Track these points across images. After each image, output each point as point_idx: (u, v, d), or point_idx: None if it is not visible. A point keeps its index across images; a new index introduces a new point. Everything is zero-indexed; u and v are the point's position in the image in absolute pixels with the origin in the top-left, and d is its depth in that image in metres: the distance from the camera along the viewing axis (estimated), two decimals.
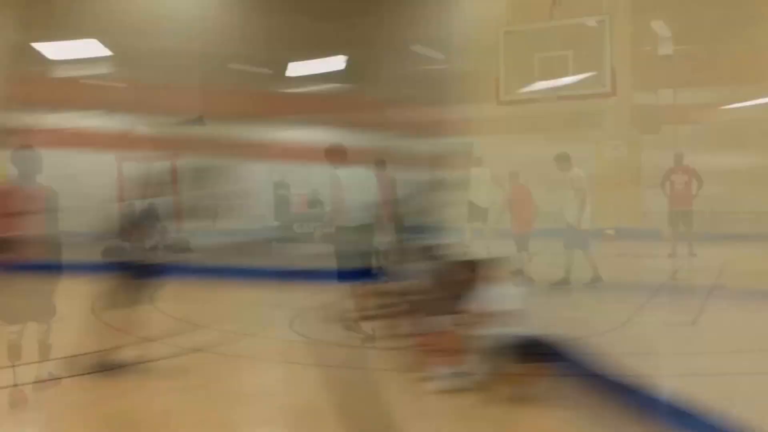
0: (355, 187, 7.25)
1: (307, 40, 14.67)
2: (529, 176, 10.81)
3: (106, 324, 6.32)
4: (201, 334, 7.79)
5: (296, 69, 15.81)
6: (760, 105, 16.31)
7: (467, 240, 11.69)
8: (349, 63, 15.42)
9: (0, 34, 13.54)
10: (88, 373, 5.86)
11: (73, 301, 7.22)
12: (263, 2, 14.64)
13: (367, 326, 7.01)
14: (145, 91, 14.51)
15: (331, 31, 14.22)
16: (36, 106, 14.44)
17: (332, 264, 7.35)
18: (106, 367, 5.97)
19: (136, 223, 6.20)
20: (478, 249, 9.46)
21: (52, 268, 5.80)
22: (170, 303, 8.14)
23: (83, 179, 13.86)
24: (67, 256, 5.78)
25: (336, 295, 7.69)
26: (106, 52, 14.43)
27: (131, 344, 6.20)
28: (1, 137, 12.27)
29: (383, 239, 7.40)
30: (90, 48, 14.28)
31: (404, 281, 6.40)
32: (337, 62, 15.50)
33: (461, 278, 5.49)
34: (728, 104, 16.86)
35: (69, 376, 5.80)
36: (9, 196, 6.21)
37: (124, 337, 6.17)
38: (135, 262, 6.11)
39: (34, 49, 14.68)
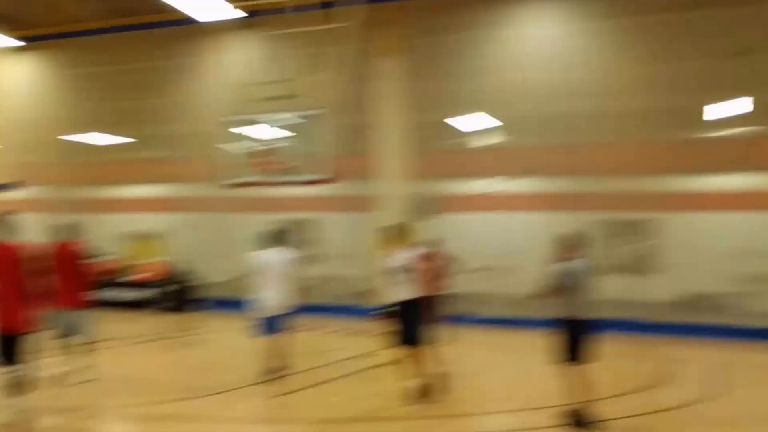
0: None
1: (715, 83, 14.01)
2: None
3: (568, 379, 6.37)
4: (660, 393, 7.97)
5: (710, 113, 15.17)
6: None
7: None
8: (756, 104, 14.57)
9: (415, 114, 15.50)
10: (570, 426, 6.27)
11: (527, 354, 9.08)
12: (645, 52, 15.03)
13: None
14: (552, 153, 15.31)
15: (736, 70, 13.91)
16: (446, 175, 16.38)
17: None
18: (582, 421, 6.22)
19: (567, 281, 6.34)
20: None
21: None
22: (613, 359, 8.16)
23: (516, 240, 15.59)
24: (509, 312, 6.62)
25: None
26: (496, 122, 16.72)
27: (595, 399, 6.30)
28: (423, 207, 14.83)
29: None
30: (481, 120, 16.53)
31: None
32: (744, 104, 14.66)
33: None
34: None
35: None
36: (432, 260, 7.92)
37: (588, 392, 6.24)
38: (572, 318, 6.29)
39: (442, 126, 16.01)
